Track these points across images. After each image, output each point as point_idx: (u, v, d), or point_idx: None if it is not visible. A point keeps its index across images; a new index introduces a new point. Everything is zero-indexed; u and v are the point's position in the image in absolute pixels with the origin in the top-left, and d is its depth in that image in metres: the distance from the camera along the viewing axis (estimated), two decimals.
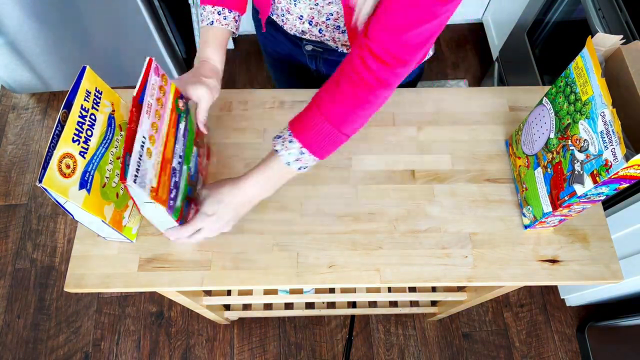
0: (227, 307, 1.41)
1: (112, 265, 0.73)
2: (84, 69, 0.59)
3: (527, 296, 1.62)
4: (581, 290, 1.47)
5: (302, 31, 0.82)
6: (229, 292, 1.23)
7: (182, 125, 0.68)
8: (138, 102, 0.59)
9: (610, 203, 1.25)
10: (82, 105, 0.57)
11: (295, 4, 0.76)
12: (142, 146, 0.56)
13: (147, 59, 0.60)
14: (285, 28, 0.85)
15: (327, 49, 0.85)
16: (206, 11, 0.75)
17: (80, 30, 1.67)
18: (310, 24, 0.79)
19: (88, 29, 1.67)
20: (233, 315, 1.42)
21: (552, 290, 1.63)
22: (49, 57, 1.78)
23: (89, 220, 0.63)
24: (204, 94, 0.71)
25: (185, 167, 0.68)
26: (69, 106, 0.56)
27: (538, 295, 1.62)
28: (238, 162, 0.82)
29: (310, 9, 0.76)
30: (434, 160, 0.83)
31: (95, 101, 0.60)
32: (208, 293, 1.18)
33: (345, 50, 0.84)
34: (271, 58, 1.02)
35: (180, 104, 0.68)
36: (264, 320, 1.57)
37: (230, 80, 2.08)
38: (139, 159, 0.55)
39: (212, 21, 0.75)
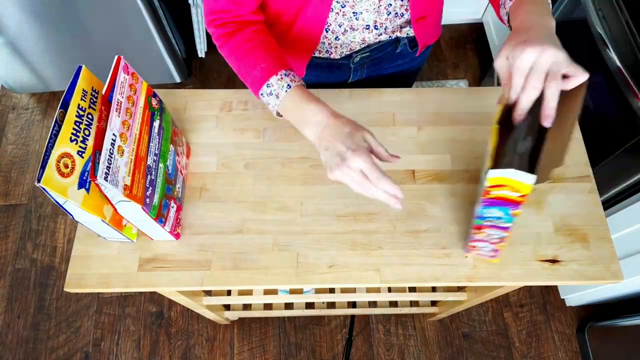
0: (227, 307, 1.41)
1: (112, 265, 0.73)
2: (79, 68, 0.59)
3: (527, 296, 1.62)
4: (581, 290, 1.47)
5: (362, 40, 0.83)
6: (229, 292, 1.23)
7: (156, 124, 0.68)
8: (107, 100, 0.60)
9: (610, 203, 1.26)
10: (78, 105, 0.57)
11: (357, 17, 0.78)
12: (113, 144, 0.56)
13: (116, 57, 0.61)
14: (332, 57, 0.87)
15: (375, 48, 0.87)
16: (275, 85, 0.67)
17: (80, 30, 1.67)
18: (377, 29, 0.81)
19: (88, 29, 1.67)
20: (233, 315, 1.42)
21: (552, 290, 1.63)
22: (49, 57, 1.78)
23: (89, 220, 0.63)
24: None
25: (161, 165, 0.69)
26: (65, 106, 0.56)
27: (538, 295, 1.62)
28: (238, 162, 0.82)
29: (373, 14, 0.77)
30: (434, 160, 0.83)
31: (92, 100, 0.60)
32: (208, 293, 1.18)
33: (397, 35, 0.85)
34: None
35: (154, 102, 0.68)
36: (264, 320, 1.57)
37: (230, 80, 2.08)
38: (110, 156, 0.55)
39: (289, 84, 0.66)
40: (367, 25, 0.80)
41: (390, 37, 0.85)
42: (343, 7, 0.76)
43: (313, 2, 0.73)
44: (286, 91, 0.66)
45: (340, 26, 0.80)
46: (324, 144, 0.61)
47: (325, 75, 0.92)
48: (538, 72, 0.53)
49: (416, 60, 0.96)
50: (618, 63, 1.06)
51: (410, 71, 0.99)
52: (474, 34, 2.21)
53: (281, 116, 0.70)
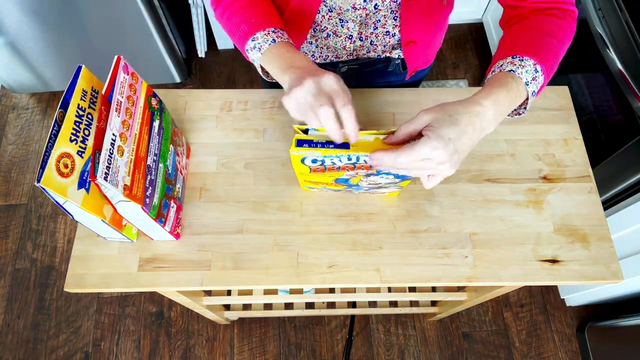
0: (227, 307, 1.41)
1: (112, 265, 0.73)
2: (79, 68, 0.59)
3: (527, 296, 1.62)
4: (581, 290, 1.47)
5: (350, 50, 0.82)
6: (229, 292, 1.23)
7: (156, 124, 0.68)
8: (107, 100, 0.60)
9: (610, 203, 1.26)
10: (78, 105, 0.57)
11: (342, 25, 0.77)
12: (113, 144, 0.56)
13: (116, 57, 0.61)
14: (317, 62, 0.86)
15: (364, 62, 0.87)
16: (260, 39, 0.64)
17: (80, 30, 1.67)
18: (362, 40, 0.81)
19: (88, 29, 1.67)
20: (233, 315, 1.42)
21: (552, 290, 1.63)
22: (49, 57, 1.78)
23: (89, 220, 0.63)
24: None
25: (161, 165, 0.69)
26: (65, 106, 0.56)
27: (538, 295, 1.62)
28: (238, 162, 0.82)
29: (359, 25, 0.77)
30: None
31: (92, 100, 0.60)
32: (208, 293, 1.18)
33: (387, 55, 0.86)
34: None
35: (154, 102, 0.68)
36: (264, 320, 1.57)
37: (230, 80, 2.08)
38: (109, 156, 0.55)
39: (274, 39, 0.63)
40: (350, 35, 0.80)
41: (379, 55, 0.86)
42: (330, 12, 0.76)
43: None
44: (270, 44, 0.62)
45: (323, 30, 0.80)
46: (296, 81, 0.56)
47: None
48: (417, 166, 0.51)
49: (408, 82, 0.97)
50: (618, 63, 1.07)
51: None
52: (474, 34, 2.21)
53: (268, 75, 0.67)
